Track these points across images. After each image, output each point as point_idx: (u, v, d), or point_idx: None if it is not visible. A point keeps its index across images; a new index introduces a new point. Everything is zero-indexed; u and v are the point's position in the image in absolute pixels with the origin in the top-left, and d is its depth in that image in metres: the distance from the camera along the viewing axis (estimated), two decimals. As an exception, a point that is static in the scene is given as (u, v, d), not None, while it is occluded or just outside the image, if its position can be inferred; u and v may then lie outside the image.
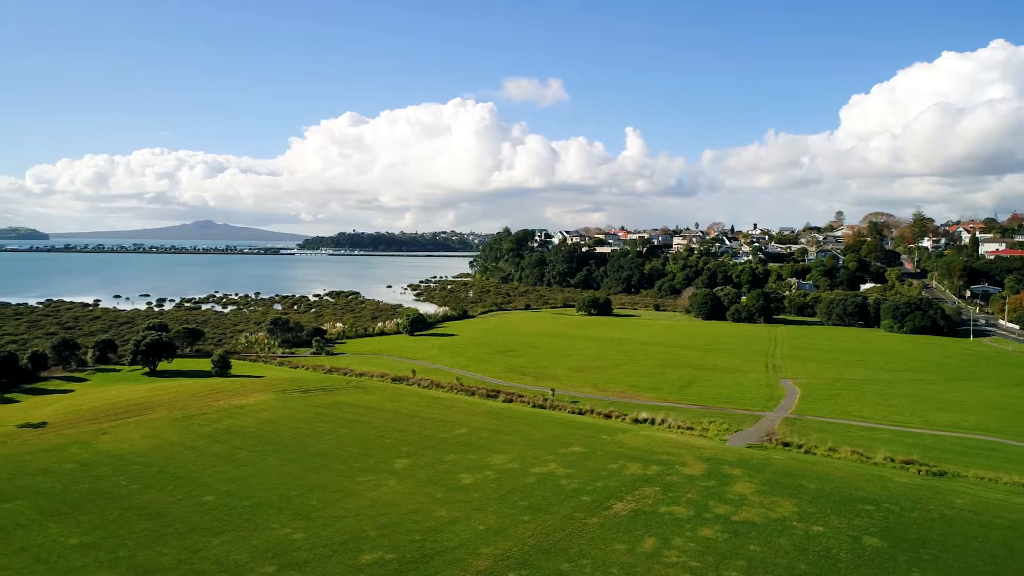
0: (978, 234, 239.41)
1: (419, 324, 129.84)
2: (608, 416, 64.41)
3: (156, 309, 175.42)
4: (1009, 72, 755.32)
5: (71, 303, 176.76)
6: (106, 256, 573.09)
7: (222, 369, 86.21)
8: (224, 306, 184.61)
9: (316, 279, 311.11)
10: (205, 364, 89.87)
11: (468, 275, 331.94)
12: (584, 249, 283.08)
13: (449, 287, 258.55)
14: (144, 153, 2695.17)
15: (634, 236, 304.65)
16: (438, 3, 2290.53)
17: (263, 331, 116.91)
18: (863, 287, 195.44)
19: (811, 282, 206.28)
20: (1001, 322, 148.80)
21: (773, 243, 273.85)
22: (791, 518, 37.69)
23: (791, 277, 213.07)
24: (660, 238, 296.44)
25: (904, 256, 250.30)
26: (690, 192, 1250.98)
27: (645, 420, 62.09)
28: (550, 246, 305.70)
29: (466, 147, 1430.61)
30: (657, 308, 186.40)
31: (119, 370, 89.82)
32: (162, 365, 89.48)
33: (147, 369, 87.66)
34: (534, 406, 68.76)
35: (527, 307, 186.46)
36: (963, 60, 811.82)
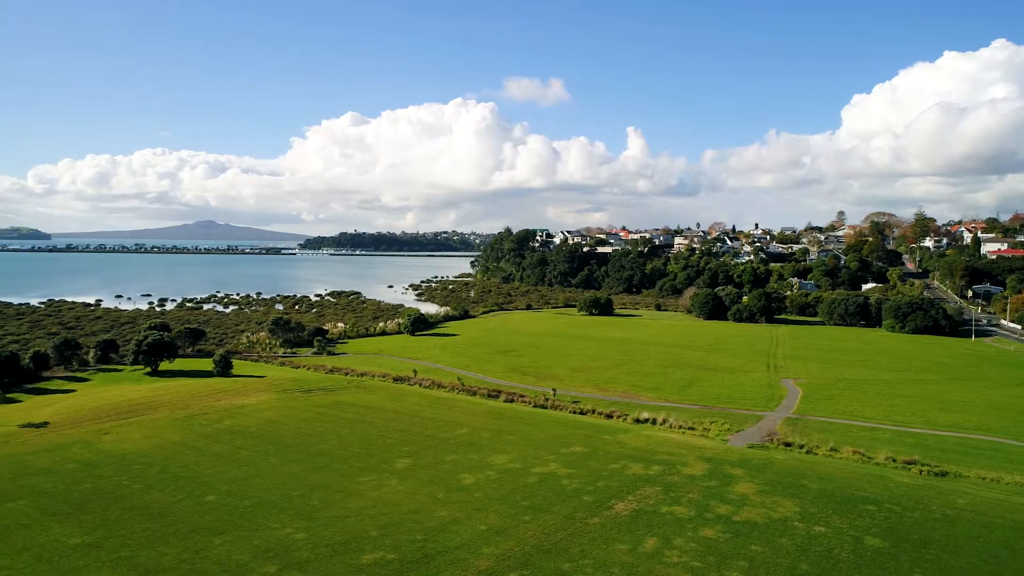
0: (980, 234, 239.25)
1: (420, 324, 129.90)
2: (609, 416, 64.39)
3: (158, 309, 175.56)
4: (1011, 72, 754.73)
5: (73, 303, 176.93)
6: (108, 256, 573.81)
7: (224, 369, 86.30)
8: (226, 306, 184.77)
9: (317, 279, 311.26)
10: (207, 364, 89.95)
11: (469, 275, 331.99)
12: (585, 249, 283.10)
13: (450, 287, 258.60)
14: (146, 153, 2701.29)
15: (635, 236, 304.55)
16: (439, 3, 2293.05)
17: (264, 331, 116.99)
18: (865, 287, 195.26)
19: (813, 282, 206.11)
20: (1003, 322, 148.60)
21: (775, 243, 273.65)
22: (793, 518, 37.66)
23: (793, 277, 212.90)
24: (661, 238, 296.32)
25: (906, 256, 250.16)
26: (691, 192, 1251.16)
27: (646, 420, 62.07)
28: (551, 246, 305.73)
29: (467, 147, 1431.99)
30: (658, 308, 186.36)
31: (121, 370, 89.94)
32: (164, 365, 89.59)
33: (149, 369, 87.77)
34: (535, 406, 68.76)
35: (528, 307, 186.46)
36: (965, 60, 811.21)
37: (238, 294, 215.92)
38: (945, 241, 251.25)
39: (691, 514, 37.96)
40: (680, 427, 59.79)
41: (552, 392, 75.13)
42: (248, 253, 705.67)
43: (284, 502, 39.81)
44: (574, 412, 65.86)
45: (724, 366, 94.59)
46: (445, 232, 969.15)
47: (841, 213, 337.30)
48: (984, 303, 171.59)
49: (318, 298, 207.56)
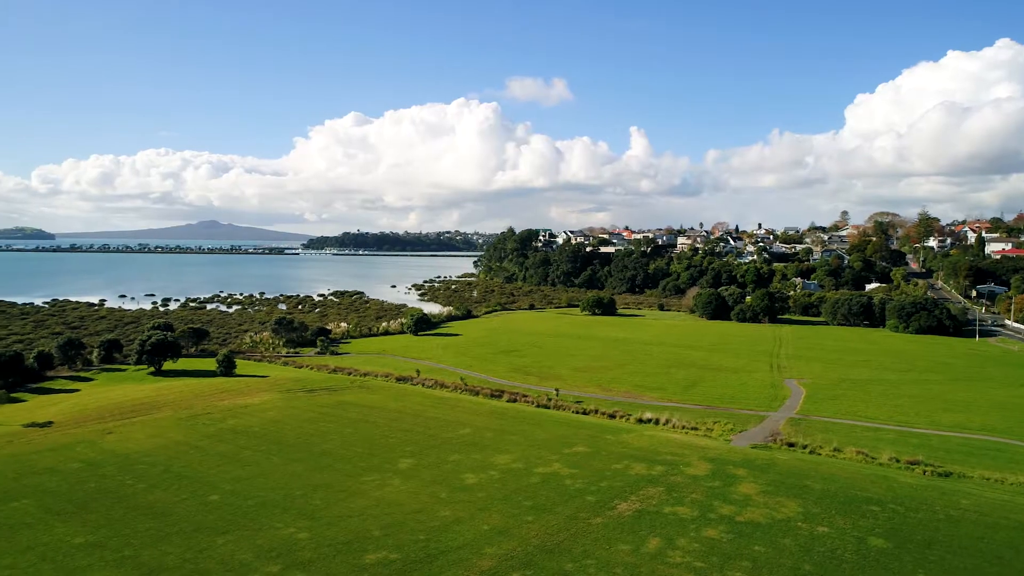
0: (984, 234, 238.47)
1: (423, 324, 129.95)
2: (612, 416, 64.34)
3: (161, 309, 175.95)
4: (1015, 71, 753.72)
5: (77, 303, 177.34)
6: (111, 256, 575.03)
7: (227, 369, 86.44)
8: (229, 306, 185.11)
9: (320, 279, 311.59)
10: (210, 364, 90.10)
11: (472, 275, 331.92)
12: (588, 249, 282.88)
13: (453, 287, 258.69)
14: (149, 153, 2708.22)
15: (638, 236, 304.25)
16: (442, 3, 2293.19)
17: (268, 331, 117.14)
18: (868, 287, 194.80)
19: (816, 282, 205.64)
20: (1007, 322, 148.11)
21: (778, 243, 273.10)
22: (796, 519, 37.58)
23: (796, 277, 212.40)
24: (664, 238, 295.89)
25: (909, 256, 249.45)
26: (694, 192, 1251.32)
27: (649, 420, 62.00)
28: (554, 246, 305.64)
29: (470, 147, 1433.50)
30: (661, 308, 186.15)
31: (124, 370, 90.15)
32: (167, 365, 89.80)
33: (152, 369, 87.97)
34: (538, 406, 68.73)
35: (531, 307, 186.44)
36: (969, 59, 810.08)
37: (241, 294, 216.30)
38: (949, 241, 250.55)
39: (694, 514, 37.92)
40: (683, 427, 59.71)
41: (555, 392, 75.10)
42: (251, 253, 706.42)
43: (287, 502, 39.86)
44: (577, 412, 65.82)
45: (727, 366, 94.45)
46: (448, 232, 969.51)
47: (844, 213, 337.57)
48: (988, 303, 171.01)
49: (321, 298, 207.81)
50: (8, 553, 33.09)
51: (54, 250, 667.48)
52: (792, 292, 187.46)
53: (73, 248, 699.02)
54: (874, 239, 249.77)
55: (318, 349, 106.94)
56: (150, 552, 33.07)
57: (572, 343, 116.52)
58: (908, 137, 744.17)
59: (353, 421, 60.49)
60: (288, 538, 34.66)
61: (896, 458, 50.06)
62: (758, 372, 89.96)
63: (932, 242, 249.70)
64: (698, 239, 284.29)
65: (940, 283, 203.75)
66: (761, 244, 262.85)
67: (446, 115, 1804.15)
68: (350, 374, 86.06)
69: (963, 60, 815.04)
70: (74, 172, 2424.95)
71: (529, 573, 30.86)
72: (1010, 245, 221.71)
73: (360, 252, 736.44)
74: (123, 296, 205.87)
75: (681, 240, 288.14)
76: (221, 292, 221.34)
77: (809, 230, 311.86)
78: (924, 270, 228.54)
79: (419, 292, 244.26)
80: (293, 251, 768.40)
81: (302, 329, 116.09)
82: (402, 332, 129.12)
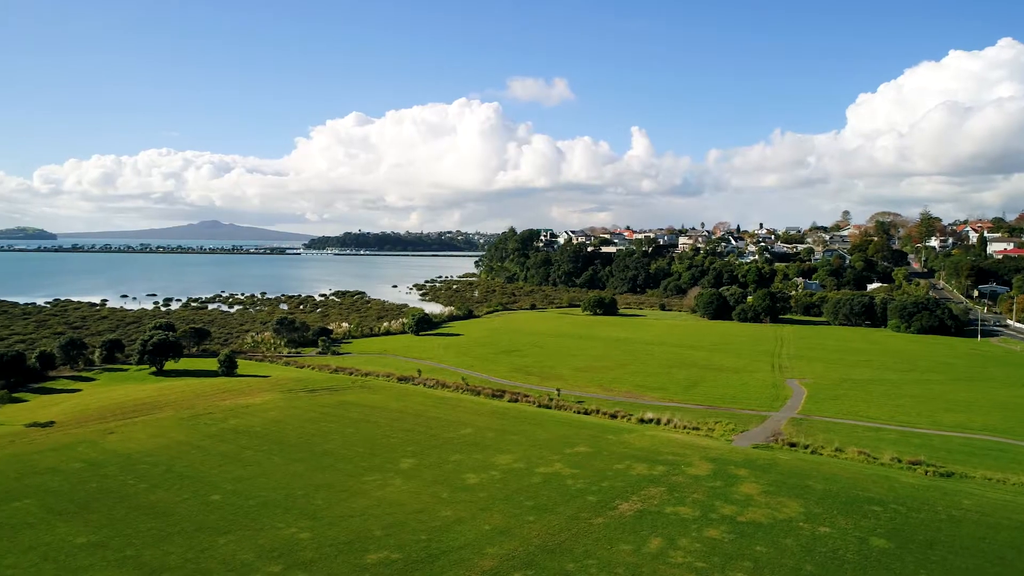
0: (986, 233, 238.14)
1: (424, 324, 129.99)
2: (614, 416, 64.33)
3: (163, 309, 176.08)
4: (1017, 71, 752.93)
5: (78, 303, 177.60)
6: (113, 256, 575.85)
7: (228, 369, 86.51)
8: (230, 306, 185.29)
9: (322, 279, 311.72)
10: (211, 364, 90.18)
11: (473, 275, 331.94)
12: (589, 249, 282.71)
13: (454, 287, 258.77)
14: (151, 153, 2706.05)
15: (640, 236, 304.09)
16: (443, 3, 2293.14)
17: (269, 331, 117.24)
18: (870, 287, 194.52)
19: (817, 282, 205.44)
20: (1009, 322, 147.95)
21: (779, 243, 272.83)
22: (797, 519, 37.56)
23: (797, 277, 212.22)
24: (666, 238, 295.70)
25: (911, 256, 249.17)
26: (696, 192, 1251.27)
27: (651, 420, 61.99)
28: (555, 246, 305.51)
29: (472, 147, 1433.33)
30: (663, 308, 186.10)
31: (126, 369, 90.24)
32: (169, 365, 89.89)
33: (154, 368, 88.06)
34: (539, 406, 68.74)
35: (532, 307, 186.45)
36: (971, 59, 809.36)
37: (243, 294, 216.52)
38: (951, 241, 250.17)
39: (695, 514, 37.90)
40: (684, 427, 59.70)
41: (556, 392, 75.12)
42: (253, 253, 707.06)
43: (288, 502, 39.89)
44: (578, 412, 65.82)
45: (728, 366, 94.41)
46: (449, 232, 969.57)
47: (846, 213, 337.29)
48: (990, 303, 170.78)
49: (322, 298, 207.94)
50: (10, 553, 33.15)
51: (56, 250, 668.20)
52: (794, 292, 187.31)
53: (75, 248, 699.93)
54: (876, 239, 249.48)
55: (319, 349, 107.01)
56: (152, 552, 33.12)
57: (573, 343, 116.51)
58: (910, 137, 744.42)
59: (355, 421, 60.53)
60: (290, 538, 34.69)
61: (898, 458, 50.02)
62: (759, 372, 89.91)
63: (934, 242, 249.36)
64: (699, 239, 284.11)
65: (942, 283, 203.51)
66: (762, 244, 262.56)
67: (447, 115, 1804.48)
68: (351, 374, 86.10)
69: (965, 59, 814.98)
70: (76, 172, 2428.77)
71: (531, 573, 30.86)
72: (1012, 245, 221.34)
73: (361, 252, 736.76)
74: (125, 296, 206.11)
75: (682, 240, 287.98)
76: (223, 292, 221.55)
77: (811, 230, 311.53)
78: (926, 270, 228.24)
79: (420, 292, 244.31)
80: (294, 251, 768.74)
81: (303, 329, 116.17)
82: (403, 332, 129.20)
